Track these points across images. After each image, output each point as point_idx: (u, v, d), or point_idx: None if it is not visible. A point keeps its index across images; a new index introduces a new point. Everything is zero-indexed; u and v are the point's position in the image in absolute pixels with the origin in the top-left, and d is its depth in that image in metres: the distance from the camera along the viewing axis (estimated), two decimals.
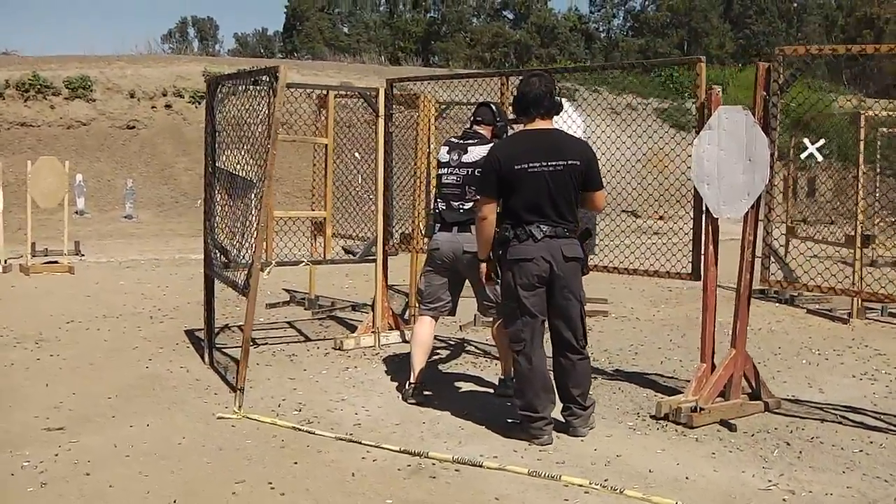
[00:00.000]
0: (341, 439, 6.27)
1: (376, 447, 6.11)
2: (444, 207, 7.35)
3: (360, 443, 6.19)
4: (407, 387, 7.36)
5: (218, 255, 8.22)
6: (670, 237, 8.66)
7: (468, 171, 7.24)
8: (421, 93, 9.83)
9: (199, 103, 27.82)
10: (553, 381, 6.44)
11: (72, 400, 7.22)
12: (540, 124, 6.35)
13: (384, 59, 46.07)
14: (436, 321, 7.62)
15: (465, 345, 9.52)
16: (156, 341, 9.42)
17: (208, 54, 53.21)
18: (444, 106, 10.83)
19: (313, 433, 6.39)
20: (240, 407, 6.86)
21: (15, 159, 22.40)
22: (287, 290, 12.51)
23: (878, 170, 13.71)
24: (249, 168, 7.82)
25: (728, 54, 66.78)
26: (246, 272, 7.19)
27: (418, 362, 7.37)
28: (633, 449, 6.24)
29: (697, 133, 7.20)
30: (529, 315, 6.28)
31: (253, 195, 8.42)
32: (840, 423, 6.99)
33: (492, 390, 7.73)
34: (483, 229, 6.38)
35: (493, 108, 7.56)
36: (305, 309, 11.45)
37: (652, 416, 6.96)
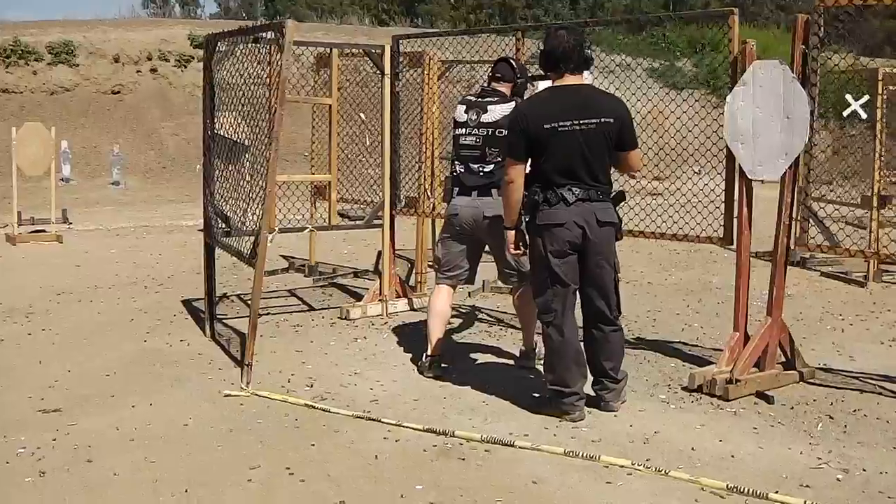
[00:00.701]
0: (359, 417, 5.88)
1: (397, 426, 5.72)
2: (462, 170, 6.94)
3: (380, 421, 5.80)
4: (424, 359, 6.96)
5: (219, 222, 7.77)
6: (667, 198, 8.23)
7: (488, 132, 6.82)
8: (425, 51, 9.35)
9: (185, 67, 27.26)
10: (584, 354, 6.03)
11: (67, 378, 6.81)
12: (570, 80, 5.90)
13: (369, 21, 45.26)
14: (454, 290, 7.22)
15: (477, 313, 9.11)
16: (152, 313, 8.97)
17: (192, 18, 52.28)
18: (447, 65, 10.41)
19: (329, 411, 6.00)
20: (248, 383, 6.46)
21: None
22: (285, 257, 12.04)
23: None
24: (242, 131, 7.50)
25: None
26: (252, 240, 6.74)
27: (436, 333, 6.97)
28: (671, 425, 5.87)
29: (731, 89, 6.77)
30: (561, 284, 5.87)
31: (246, 159, 8.06)
32: (880, 393, 6.66)
33: (512, 362, 7.34)
34: (510, 194, 5.93)
35: (513, 63, 7.11)
36: (305, 276, 11.01)
37: (684, 388, 6.61)
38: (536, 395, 6.29)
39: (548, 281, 5.89)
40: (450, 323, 8.30)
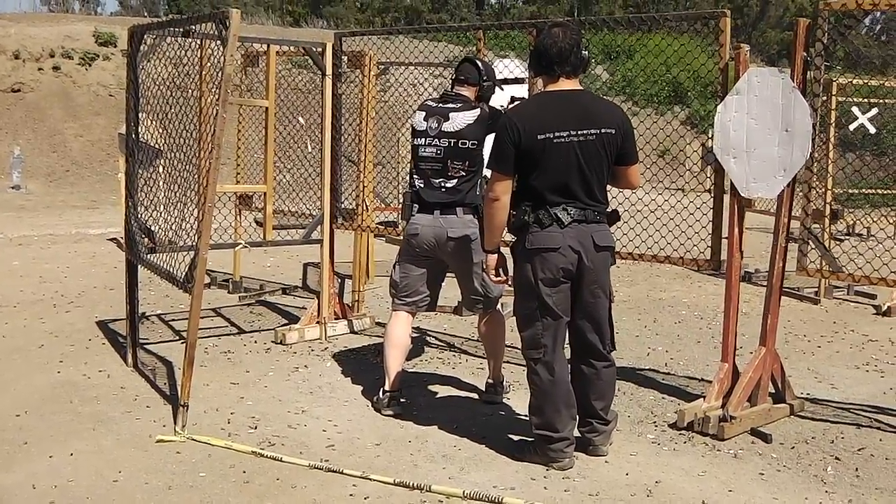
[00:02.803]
0: (317, 468, 5.09)
1: (363, 478, 4.96)
2: (422, 185, 6.19)
3: (343, 473, 5.03)
4: (381, 395, 6.22)
5: (142, 237, 6.93)
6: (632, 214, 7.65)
7: (450, 143, 6.11)
8: (365, 51, 8.62)
9: (90, 65, 26.20)
10: (574, 394, 5.32)
11: None
12: (565, 84, 5.15)
13: (284, 21, 44.40)
14: (412, 317, 6.47)
15: (426, 336, 8.36)
16: (64, 337, 8.06)
17: (92, 14, 50.89)
18: (383, 66, 9.70)
19: (280, 460, 5.21)
20: (183, 426, 5.62)
21: None
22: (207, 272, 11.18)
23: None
24: (156, 134, 6.93)
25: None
26: (188, 262, 5.93)
27: (395, 367, 6.22)
28: (670, 472, 5.21)
29: (722, 99, 6.13)
30: (552, 316, 5.16)
31: (160, 165, 7.30)
32: (879, 429, 6.12)
33: (475, 395, 6.62)
34: (495, 213, 5.16)
35: (479, 64, 6.36)
36: (230, 293, 10.18)
37: (672, 426, 5.97)
38: (516, 437, 5.58)
39: (537, 313, 5.17)
40: None
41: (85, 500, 4.67)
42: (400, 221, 7.92)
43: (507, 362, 7.08)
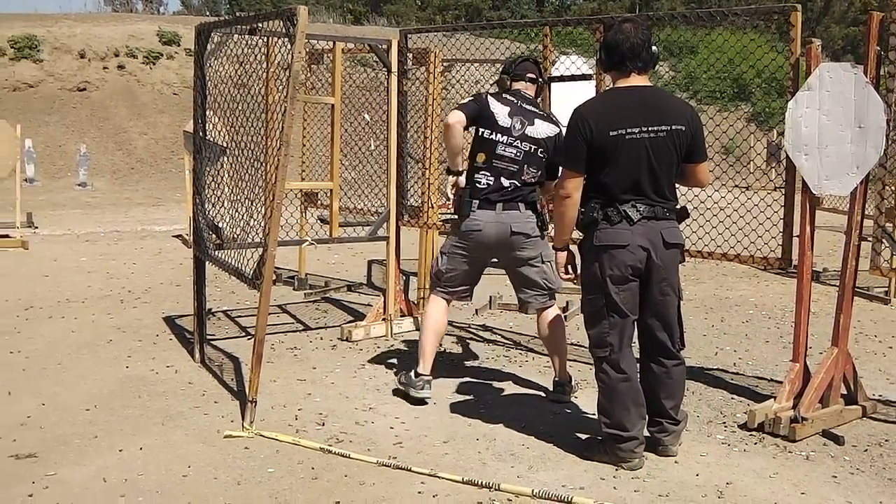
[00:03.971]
0: (385, 465, 5.08)
1: (432, 476, 4.93)
2: (490, 183, 6.15)
3: (411, 470, 5.00)
4: (415, 377, 6.24)
5: (210, 234, 6.96)
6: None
7: (531, 148, 6.15)
8: (430, 48, 8.59)
9: (154, 64, 26.43)
10: (643, 393, 5.26)
11: (42, 413, 5.96)
12: (635, 81, 5.09)
13: (334, 19, 44.44)
14: (449, 305, 6.52)
15: (489, 334, 8.32)
16: (132, 332, 8.13)
17: (155, 14, 51.32)
18: (447, 63, 9.69)
19: (348, 457, 5.19)
20: (251, 422, 5.63)
21: None
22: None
23: None
24: (221, 132, 6.98)
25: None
26: (256, 259, 5.94)
27: (430, 350, 6.30)
28: (741, 473, 5.11)
29: (793, 95, 6.03)
30: (619, 314, 5.10)
31: (225, 163, 7.33)
32: None
33: (542, 394, 6.57)
34: (566, 210, 5.10)
35: (539, 63, 6.46)
36: (295, 290, 10.21)
37: (742, 427, 5.87)
38: (584, 436, 5.53)
39: (604, 310, 5.11)
40: (460, 346, 7.62)
41: (155, 494, 4.69)
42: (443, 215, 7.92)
43: (576, 360, 7.05)
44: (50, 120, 24.18)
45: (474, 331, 8.35)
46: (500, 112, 6.16)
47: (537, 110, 6.28)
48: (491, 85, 6.95)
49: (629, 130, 4.94)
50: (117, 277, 10.92)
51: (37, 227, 15.28)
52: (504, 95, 6.29)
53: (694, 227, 6.81)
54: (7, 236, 13.83)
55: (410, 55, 8.35)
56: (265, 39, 7.45)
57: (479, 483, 4.82)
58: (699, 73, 31.48)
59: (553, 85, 7.73)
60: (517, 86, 6.33)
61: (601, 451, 5.20)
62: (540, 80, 6.46)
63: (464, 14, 66.88)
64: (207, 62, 7.08)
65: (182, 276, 10.79)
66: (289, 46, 5.80)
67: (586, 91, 7.19)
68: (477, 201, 6.16)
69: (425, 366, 6.26)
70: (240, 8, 65.91)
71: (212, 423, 5.75)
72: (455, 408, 6.15)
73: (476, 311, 9.09)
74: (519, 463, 5.18)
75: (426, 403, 6.20)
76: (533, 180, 6.19)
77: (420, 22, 55.10)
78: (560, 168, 5.25)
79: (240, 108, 6.70)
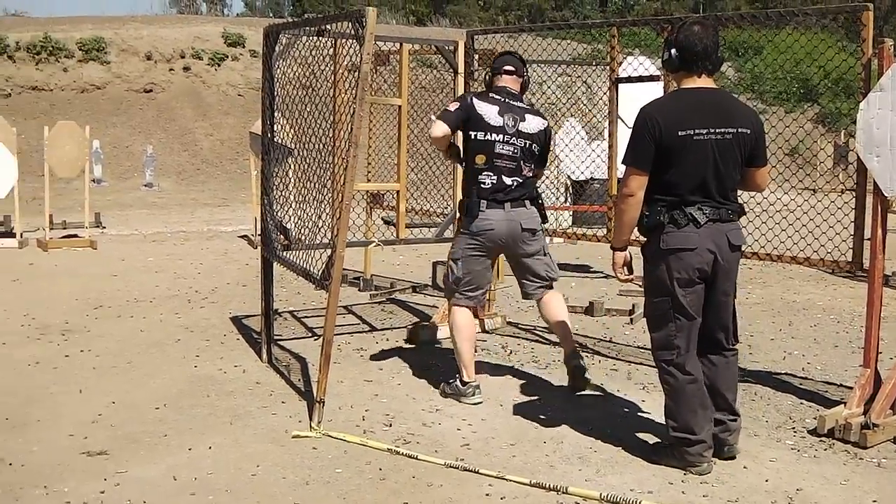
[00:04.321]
0: (453, 466, 5.08)
1: (499, 478, 4.92)
2: (494, 182, 6.31)
3: (478, 472, 5.00)
4: (463, 385, 6.34)
5: (278, 235, 7.01)
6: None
7: (525, 143, 6.38)
8: (495, 49, 8.58)
9: (219, 66, 26.65)
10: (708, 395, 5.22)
11: (112, 411, 6.04)
12: (703, 82, 5.08)
13: (408, 20, 44.63)
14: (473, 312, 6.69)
15: (546, 334, 8.26)
16: (199, 332, 8.21)
17: (218, 16, 51.78)
18: None
19: (416, 458, 5.20)
20: (319, 423, 5.66)
21: (27, 125, 21.31)
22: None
23: None
24: (287, 133, 7.07)
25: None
26: (324, 260, 5.98)
27: (469, 358, 6.41)
28: (812, 479, 5.04)
29: (864, 95, 5.95)
30: (686, 316, 5.06)
31: (291, 164, 7.37)
32: None
33: (610, 396, 6.53)
34: (628, 209, 5.08)
35: (519, 58, 6.65)
36: (360, 291, 10.25)
37: (811, 432, 5.78)
38: (653, 440, 5.49)
39: (670, 313, 5.07)
40: (519, 346, 7.64)
41: (224, 493, 4.72)
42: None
43: (642, 364, 7.01)
44: (117, 121, 24.46)
45: (540, 333, 8.32)
46: (489, 112, 6.31)
47: (525, 105, 6.48)
48: (552, 85, 6.95)
49: (697, 131, 4.92)
50: (184, 277, 11.04)
51: (105, 228, 15.48)
52: (490, 94, 6.45)
53: (763, 230, 6.76)
54: (76, 236, 14.02)
55: (476, 56, 8.35)
56: (332, 41, 7.47)
57: (547, 486, 4.80)
58: (765, 73, 31.18)
59: (620, 86, 7.69)
60: (500, 82, 6.50)
61: (669, 456, 5.17)
62: (525, 74, 6.61)
63: (526, 14, 66.78)
64: (275, 64, 7.12)
65: (248, 277, 10.88)
66: (356, 48, 5.83)
67: (654, 92, 7.16)
68: (485, 201, 6.30)
69: (469, 373, 6.36)
70: (303, 10, 66.38)
71: (280, 423, 5.79)
72: (521, 410, 6.14)
73: (525, 311, 9.07)
74: (587, 466, 5.16)
75: (481, 403, 6.27)
76: (531, 174, 6.42)
77: (482, 22, 55.05)
78: (624, 166, 5.19)
79: (307, 109, 6.74)
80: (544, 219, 6.59)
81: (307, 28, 6.80)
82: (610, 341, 8.11)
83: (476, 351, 6.82)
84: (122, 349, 7.61)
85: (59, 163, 13.77)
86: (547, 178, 14.22)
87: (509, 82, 6.52)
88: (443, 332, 8.01)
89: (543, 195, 6.75)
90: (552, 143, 6.88)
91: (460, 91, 7.91)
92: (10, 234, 13.89)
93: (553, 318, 6.64)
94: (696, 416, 5.07)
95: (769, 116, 12.64)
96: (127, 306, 9.33)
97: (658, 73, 7.53)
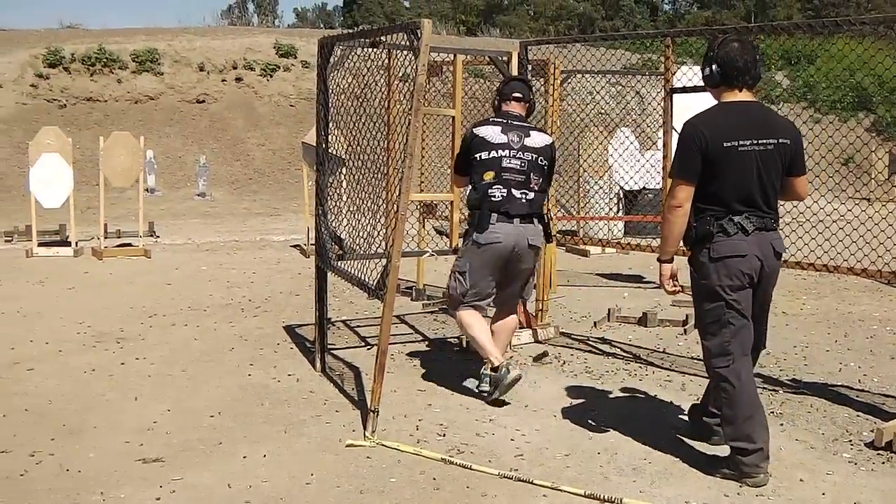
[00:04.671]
0: (507, 477, 5.07)
1: (553, 489, 4.91)
2: (504, 195, 6.45)
3: (532, 483, 4.99)
4: (494, 372, 6.46)
5: (332, 245, 7.03)
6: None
7: (532, 157, 6.55)
8: (548, 59, 8.58)
9: (271, 76, 26.78)
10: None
11: (167, 419, 6.09)
12: (744, 96, 5.19)
13: (459, 31, 44.64)
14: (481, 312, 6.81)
15: (610, 346, 8.25)
16: (253, 341, 8.25)
17: (269, 27, 52.09)
18: (565, 74, 9.66)
19: (469, 468, 5.20)
20: (373, 432, 5.67)
21: (82, 135, 21.53)
22: None
23: None
24: (339, 144, 7.16)
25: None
26: (378, 269, 5.99)
27: (490, 345, 6.59)
28: (869, 493, 4.99)
29: None
30: (738, 321, 5.11)
31: (343, 174, 7.40)
32: None
33: (664, 407, 6.49)
34: (676, 220, 5.14)
35: (527, 83, 6.87)
36: (413, 300, 10.24)
37: (868, 445, 5.71)
38: (711, 453, 5.45)
39: (724, 318, 5.11)
40: (574, 358, 7.60)
41: (279, 502, 4.75)
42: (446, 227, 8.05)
43: (695, 375, 6.97)
44: (170, 131, 24.63)
45: (593, 344, 8.29)
46: (491, 133, 6.56)
47: (528, 124, 6.69)
48: (605, 95, 6.97)
49: (741, 142, 5.02)
50: (237, 286, 11.10)
51: (158, 237, 15.59)
52: (491, 119, 6.66)
53: (819, 241, 6.71)
54: (130, 245, 14.15)
55: (530, 66, 8.34)
56: (386, 52, 7.50)
57: (602, 497, 4.79)
58: (817, 81, 30.90)
59: (675, 96, 7.65)
60: (506, 107, 6.71)
61: (725, 467, 5.14)
62: (531, 99, 6.81)
63: (576, 24, 66.68)
64: (330, 75, 7.15)
65: (300, 286, 10.92)
66: (410, 58, 5.84)
67: (708, 101, 7.11)
68: (495, 214, 6.43)
69: (497, 356, 6.50)
70: (353, 21, 66.66)
71: (333, 432, 5.81)
72: (575, 421, 6.12)
73: (595, 323, 9.03)
74: (641, 478, 5.13)
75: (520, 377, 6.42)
76: (537, 188, 6.55)
77: (533, 32, 55.00)
78: (672, 179, 5.25)
79: (361, 120, 6.77)
80: (549, 237, 6.91)
81: (362, 39, 6.82)
82: (664, 352, 8.06)
83: (508, 353, 7.02)
84: (176, 357, 7.66)
85: (114, 172, 13.89)
86: (600, 188, 14.20)
87: (515, 108, 6.72)
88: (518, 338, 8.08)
89: (596, 205, 6.81)
90: (556, 160, 6.92)
91: None
92: (66, 243, 14.04)
93: (498, 327, 6.89)
94: (752, 421, 5.07)
95: (825, 126, 12.50)
96: (181, 315, 9.41)
97: None
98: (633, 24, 67.57)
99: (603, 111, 16.44)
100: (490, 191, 6.45)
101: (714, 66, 5.19)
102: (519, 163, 6.48)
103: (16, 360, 7.56)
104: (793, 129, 5.24)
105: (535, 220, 6.55)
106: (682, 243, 5.27)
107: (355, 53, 7.02)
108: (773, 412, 6.31)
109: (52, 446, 5.56)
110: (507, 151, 6.48)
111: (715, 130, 5.05)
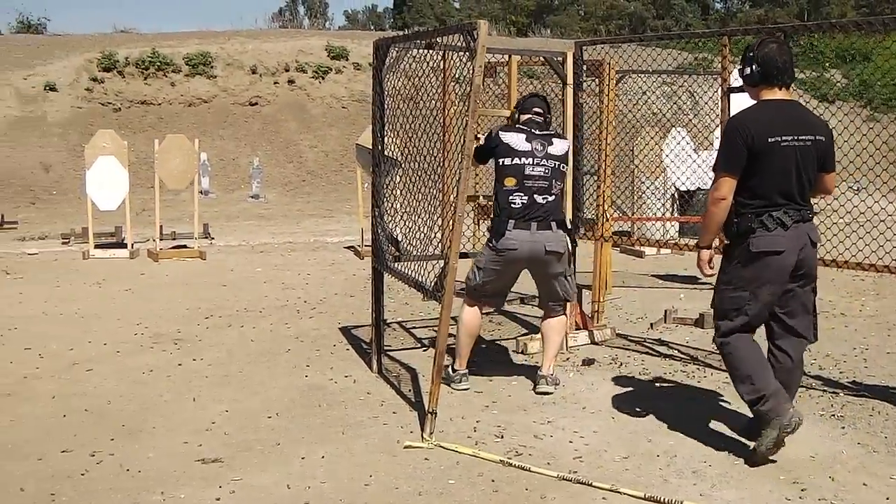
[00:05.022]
0: (566, 479, 5.05)
1: (613, 491, 4.88)
2: (525, 201, 6.64)
3: (591, 485, 4.96)
4: (452, 372, 6.91)
5: (389, 246, 7.04)
6: (829, 216, 7.30)
7: (556, 164, 6.75)
8: (603, 59, 8.54)
9: (323, 79, 26.89)
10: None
11: (225, 420, 6.13)
12: (781, 94, 5.42)
13: (510, 31, 44.66)
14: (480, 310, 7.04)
15: (667, 348, 8.18)
16: (309, 342, 8.28)
17: (321, 29, 52.36)
18: (620, 74, 9.60)
19: (528, 470, 5.18)
20: (431, 433, 5.67)
21: (136, 138, 21.69)
22: None
23: None
24: (395, 146, 7.17)
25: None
26: (436, 271, 5.99)
27: (465, 351, 6.93)
28: None
29: None
30: (756, 313, 5.46)
31: (398, 176, 7.41)
32: None
33: (722, 409, 6.43)
34: (718, 212, 5.38)
35: (545, 100, 7.05)
36: None
37: None
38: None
39: (745, 308, 5.43)
40: (632, 359, 7.57)
41: (339, 503, 4.75)
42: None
43: None
44: (224, 134, 24.80)
45: (650, 345, 8.24)
46: (516, 140, 6.71)
47: (551, 132, 6.89)
48: (659, 94, 7.01)
49: (784, 138, 5.24)
50: (292, 288, 11.15)
51: (213, 238, 15.68)
52: (516, 126, 6.84)
53: (881, 241, 6.63)
54: (185, 246, 14.25)
55: (584, 66, 8.30)
56: (441, 53, 7.50)
57: (662, 500, 4.75)
58: (873, 79, 30.56)
59: (732, 95, 7.58)
60: (530, 119, 6.87)
61: (756, 431, 5.33)
62: (548, 115, 7.01)
63: (627, 24, 66.51)
64: (385, 77, 7.16)
65: (355, 287, 10.96)
66: (465, 60, 5.84)
67: None
68: (513, 221, 6.60)
69: (462, 362, 6.88)
70: (404, 23, 66.79)
71: (391, 434, 5.81)
72: (634, 423, 6.09)
73: (651, 325, 8.98)
74: (701, 480, 5.09)
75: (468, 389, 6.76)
76: (559, 192, 6.75)
77: (584, 32, 54.89)
78: (716, 172, 5.42)
79: (416, 121, 6.78)
80: (574, 243, 7.17)
81: (417, 41, 6.83)
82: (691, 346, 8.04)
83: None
84: (233, 358, 7.71)
85: (169, 175, 13.99)
86: (656, 189, 14.10)
87: (533, 119, 6.91)
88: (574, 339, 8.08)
89: (651, 205, 6.88)
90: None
91: (570, 101, 7.89)
92: (122, 245, 14.17)
93: (546, 333, 7.02)
94: (760, 375, 5.34)
95: (886, 125, 12.34)
96: (237, 316, 9.46)
97: None
98: (685, 23, 67.30)
99: (657, 111, 16.36)
100: (511, 197, 6.63)
101: (755, 66, 5.41)
102: (543, 170, 6.65)
103: (75, 361, 7.64)
104: (826, 127, 5.48)
105: (555, 226, 6.68)
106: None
107: (410, 55, 7.03)
108: (833, 415, 6.26)
109: (112, 446, 5.61)
110: (530, 160, 6.65)
111: (759, 126, 5.28)
